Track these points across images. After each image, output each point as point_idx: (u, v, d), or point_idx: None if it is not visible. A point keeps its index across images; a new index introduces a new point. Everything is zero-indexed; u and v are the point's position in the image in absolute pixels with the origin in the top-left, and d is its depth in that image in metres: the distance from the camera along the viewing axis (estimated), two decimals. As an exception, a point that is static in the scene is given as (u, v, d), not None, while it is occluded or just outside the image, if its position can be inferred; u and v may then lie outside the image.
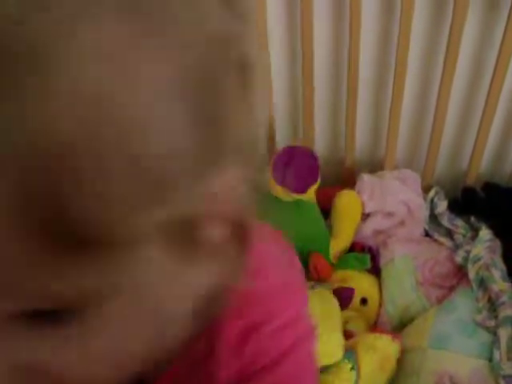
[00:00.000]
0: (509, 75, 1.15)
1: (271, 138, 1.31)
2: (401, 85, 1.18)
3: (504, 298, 1.06)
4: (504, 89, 1.16)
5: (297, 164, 1.12)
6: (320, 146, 1.29)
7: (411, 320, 1.12)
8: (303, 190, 1.13)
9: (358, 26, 1.11)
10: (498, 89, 1.15)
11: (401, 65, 1.15)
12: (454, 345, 1.04)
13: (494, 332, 1.04)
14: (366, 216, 1.23)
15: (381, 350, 0.97)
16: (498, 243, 1.17)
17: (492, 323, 1.05)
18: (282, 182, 1.12)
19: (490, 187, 1.29)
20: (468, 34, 1.11)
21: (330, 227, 1.21)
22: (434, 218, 1.26)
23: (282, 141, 1.29)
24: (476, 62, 1.20)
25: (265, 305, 0.38)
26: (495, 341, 1.03)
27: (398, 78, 1.17)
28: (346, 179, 1.29)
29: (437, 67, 1.19)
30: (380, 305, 1.15)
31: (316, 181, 1.14)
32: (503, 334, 1.02)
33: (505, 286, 1.09)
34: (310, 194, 1.17)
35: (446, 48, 1.12)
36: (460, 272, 1.17)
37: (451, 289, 1.15)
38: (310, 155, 1.15)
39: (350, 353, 0.99)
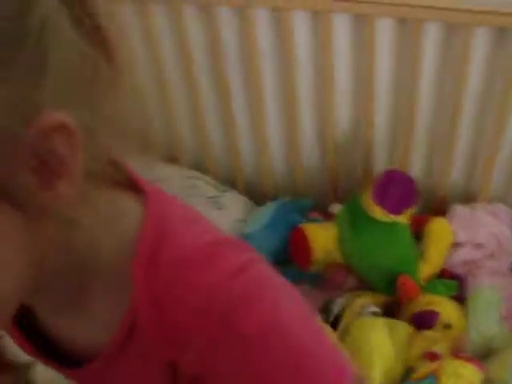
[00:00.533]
0: None
1: (369, 161, 1.37)
2: (502, 119, 1.22)
3: None
4: None
5: (396, 187, 1.17)
6: (415, 172, 1.35)
7: (494, 351, 1.14)
8: (400, 212, 1.18)
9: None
10: None
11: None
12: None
13: None
14: (455, 245, 1.27)
15: (465, 378, 0.98)
16: None
17: None
18: (381, 204, 1.17)
19: None
20: None
21: (421, 252, 1.25)
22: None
23: (379, 164, 1.36)
24: None
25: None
26: None
27: (500, 111, 1.22)
28: (438, 208, 1.33)
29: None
30: (464, 332, 1.18)
31: (413, 204, 1.19)
32: None
33: None
34: (405, 218, 1.22)
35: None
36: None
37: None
38: (409, 179, 1.20)
39: (433, 377, 1.01)
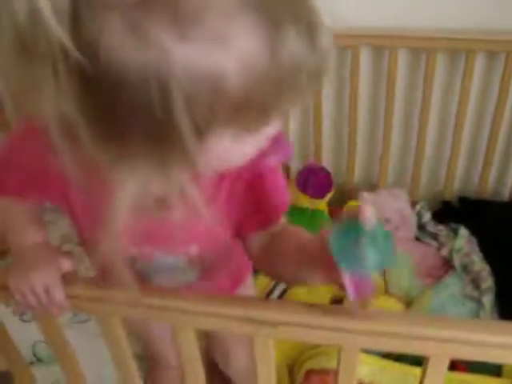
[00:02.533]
0: (468, 114, 1.50)
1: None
2: (389, 124, 1.52)
3: (484, 274, 1.36)
4: (466, 126, 1.51)
5: (315, 176, 1.42)
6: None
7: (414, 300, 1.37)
8: (320, 196, 1.43)
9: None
10: (461, 127, 1.49)
11: (389, 107, 1.50)
12: (449, 312, 1.30)
13: (478, 300, 1.32)
14: (367, 223, 1.52)
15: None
16: (473, 239, 1.47)
17: (476, 294, 1.33)
18: (304, 190, 1.41)
19: (463, 200, 1.61)
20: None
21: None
22: (420, 226, 1.56)
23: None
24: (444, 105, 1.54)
25: None
26: (480, 306, 1.30)
27: (387, 117, 1.51)
28: (348, 198, 1.59)
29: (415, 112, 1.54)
30: (385, 291, 1.41)
31: (331, 188, 1.44)
32: (486, 299, 1.30)
33: (483, 265, 1.39)
34: (324, 205, 1.47)
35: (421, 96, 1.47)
36: (446, 265, 1.45)
37: (439, 278, 1.43)
38: (325, 170, 1.46)
39: None
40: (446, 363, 0.63)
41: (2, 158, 0.71)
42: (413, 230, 1.54)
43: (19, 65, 0.44)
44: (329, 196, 1.44)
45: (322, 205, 1.46)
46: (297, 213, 1.45)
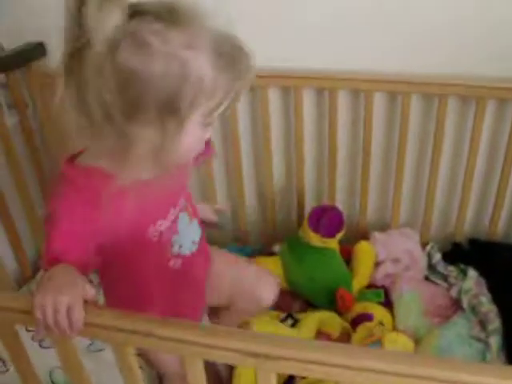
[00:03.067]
0: (479, 158, 1.54)
1: (302, 200, 1.67)
2: (402, 165, 1.57)
3: (491, 315, 1.38)
4: (477, 170, 1.55)
5: (327, 216, 1.46)
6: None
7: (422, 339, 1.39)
8: (332, 235, 1.47)
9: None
10: (471, 171, 1.54)
11: (402, 149, 1.54)
12: (456, 352, 1.33)
13: (484, 342, 1.34)
14: (378, 264, 1.55)
15: (400, 344, 1.24)
16: (482, 280, 1.50)
17: (483, 335, 1.35)
18: (316, 230, 1.46)
19: (473, 242, 1.64)
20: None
21: (351, 270, 1.53)
22: (430, 267, 1.59)
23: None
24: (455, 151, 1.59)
25: None
26: (487, 347, 1.32)
27: (400, 159, 1.56)
28: (361, 237, 1.63)
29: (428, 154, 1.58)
30: (394, 328, 1.43)
31: (342, 228, 1.48)
32: (493, 341, 1.33)
33: (491, 307, 1.41)
34: (335, 243, 1.51)
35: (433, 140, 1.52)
36: (454, 305, 1.48)
37: (448, 318, 1.45)
38: (336, 209, 1.50)
39: (378, 342, 1.26)
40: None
41: (62, 228, 0.83)
42: (423, 271, 1.57)
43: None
44: (340, 235, 1.48)
45: (333, 243, 1.50)
46: (310, 251, 1.50)
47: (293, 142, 1.61)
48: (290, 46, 1.45)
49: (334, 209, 1.50)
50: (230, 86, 0.77)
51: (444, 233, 1.68)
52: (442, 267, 1.58)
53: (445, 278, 1.56)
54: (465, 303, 1.45)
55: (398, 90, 1.48)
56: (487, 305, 1.42)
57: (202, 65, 0.73)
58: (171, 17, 0.71)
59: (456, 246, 1.64)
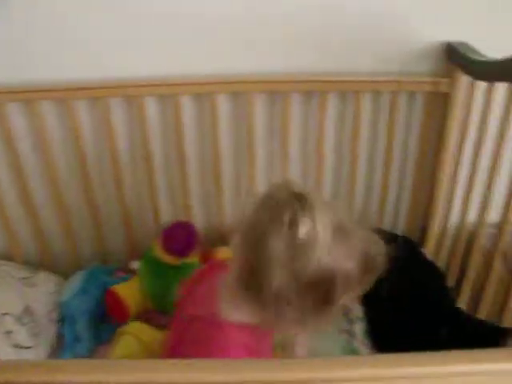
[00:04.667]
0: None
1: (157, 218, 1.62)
2: (253, 167, 1.57)
3: (353, 304, 1.41)
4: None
5: (180, 234, 1.43)
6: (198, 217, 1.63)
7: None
8: (186, 254, 1.43)
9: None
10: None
11: (250, 147, 1.54)
12: (321, 351, 1.33)
13: (349, 331, 1.37)
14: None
15: None
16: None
17: (347, 326, 1.37)
18: (169, 251, 1.42)
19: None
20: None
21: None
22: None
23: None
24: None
25: None
26: (352, 337, 1.35)
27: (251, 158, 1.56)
28: (223, 242, 1.59)
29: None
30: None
31: (195, 245, 1.45)
32: (357, 328, 1.36)
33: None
34: (193, 257, 1.47)
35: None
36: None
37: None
38: (188, 226, 1.47)
39: None
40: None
41: None
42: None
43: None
44: (195, 252, 1.45)
45: (192, 257, 1.46)
46: (165, 268, 1.45)
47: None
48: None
49: (184, 226, 1.46)
50: (364, 279, 0.89)
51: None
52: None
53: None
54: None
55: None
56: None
57: (353, 268, 0.85)
58: (338, 231, 0.83)
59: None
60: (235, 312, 0.92)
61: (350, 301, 0.92)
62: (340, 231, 0.84)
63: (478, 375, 0.62)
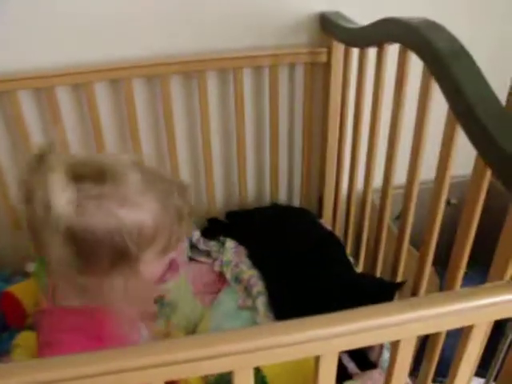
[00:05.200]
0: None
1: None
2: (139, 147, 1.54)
3: (254, 279, 1.42)
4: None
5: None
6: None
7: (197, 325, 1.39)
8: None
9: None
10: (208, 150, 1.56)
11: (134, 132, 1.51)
12: (226, 329, 1.34)
13: (252, 308, 1.37)
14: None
15: None
16: (242, 248, 1.54)
17: (250, 302, 1.38)
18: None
19: (229, 214, 1.68)
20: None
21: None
22: (192, 246, 1.60)
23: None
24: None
25: None
26: (255, 313, 1.36)
27: (134, 141, 1.52)
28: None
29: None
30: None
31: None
32: (259, 303, 1.36)
33: (252, 272, 1.45)
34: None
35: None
36: (221, 278, 1.49)
37: (218, 292, 1.47)
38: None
39: None
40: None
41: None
42: (185, 253, 1.57)
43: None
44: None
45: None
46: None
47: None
48: None
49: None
50: (171, 227, 0.84)
51: (199, 210, 1.69)
52: (202, 244, 1.59)
53: (208, 254, 1.58)
54: (228, 275, 1.47)
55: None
56: (248, 271, 1.45)
57: (138, 215, 0.79)
58: (101, 178, 0.76)
59: (211, 220, 1.66)
60: (68, 296, 0.88)
61: (164, 251, 0.86)
62: (104, 177, 0.77)
63: (366, 331, 0.63)
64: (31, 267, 1.50)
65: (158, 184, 0.84)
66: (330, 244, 1.53)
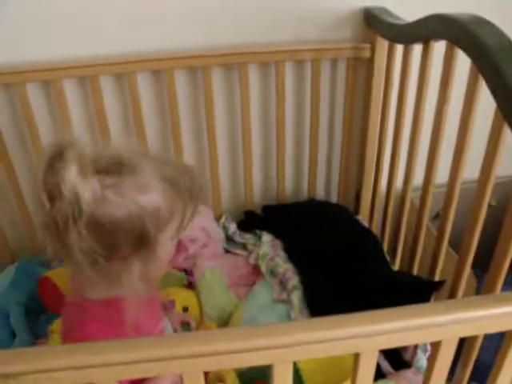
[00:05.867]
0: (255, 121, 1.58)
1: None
2: (179, 145, 1.55)
3: (289, 273, 1.42)
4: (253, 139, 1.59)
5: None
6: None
7: (230, 316, 1.40)
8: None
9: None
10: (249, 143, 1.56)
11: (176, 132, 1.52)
12: (260, 322, 1.34)
13: (287, 301, 1.37)
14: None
15: None
16: (278, 242, 1.54)
17: (285, 296, 1.38)
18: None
19: (265, 208, 1.68)
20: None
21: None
22: (228, 238, 1.61)
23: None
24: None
25: None
26: (290, 307, 1.36)
27: (176, 135, 1.54)
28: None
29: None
30: (200, 311, 1.43)
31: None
32: (294, 297, 1.36)
33: (288, 265, 1.45)
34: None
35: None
36: (256, 271, 1.50)
37: (253, 285, 1.48)
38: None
39: None
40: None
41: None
42: (221, 244, 1.58)
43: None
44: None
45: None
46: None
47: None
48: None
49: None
50: (184, 208, 0.89)
51: (235, 203, 1.69)
52: (238, 237, 1.59)
53: (244, 246, 1.58)
54: (263, 268, 1.47)
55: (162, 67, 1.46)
56: (283, 265, 1.45)
57: (155, 200, 0.84)
58: (119, 169, 0.81)
59: (248, 213, 1.66)
60: (90, 289, 0.92)
61: (177, 232, 0.91)
62: (121, 167, 0.81)
63: (408, 330, 0.63)
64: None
65: (168, 169, 0.88)
66: (367, 240, 1.52)
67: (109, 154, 0.82)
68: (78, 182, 0.76)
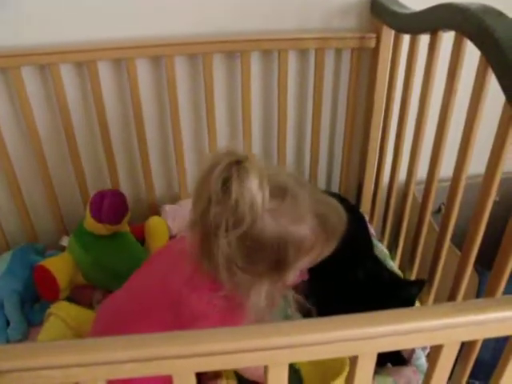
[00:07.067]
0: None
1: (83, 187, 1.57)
2: (179, 132, 1.52)
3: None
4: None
5: (108, 202, 1.36)
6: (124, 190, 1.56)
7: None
8: (118, 221, 1.38)
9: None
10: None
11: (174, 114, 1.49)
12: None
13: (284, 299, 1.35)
14: (173, 238, 1.51)
15: None
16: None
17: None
18: (100, 219, 1.36)
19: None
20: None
21: (147, 249, 1.47)
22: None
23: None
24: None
25: None
26: (286, 303, 1.33)
27: (175, 126, 1.51)
28: (152, 213, 1.57)
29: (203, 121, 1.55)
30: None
31: (127, 211, 1.40)
32: (290, 293, 1.33)
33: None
34: (125, 225, 1.43)
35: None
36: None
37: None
38: (118, 193, 1.41)
39: None
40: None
41: None
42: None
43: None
44: (126, 219, 1.40)
45: (122, 227, 1.42)
46: (96, 240, 1.39)
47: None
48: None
49: (114, 193, 1.40)
50: (324, 244, 0.90)
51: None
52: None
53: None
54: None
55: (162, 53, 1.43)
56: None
57: (303, 233, 0.86)
58: (283, 195, 0.84)
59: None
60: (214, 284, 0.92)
61: (308, 264, 0.93)
62: (285, 194, 0.85)
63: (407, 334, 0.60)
64: (66, 241, 1.50)
65: (322, 206, 0.90)
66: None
67: (276, 178, 0.86)
68: (257, 195, 0.80)
